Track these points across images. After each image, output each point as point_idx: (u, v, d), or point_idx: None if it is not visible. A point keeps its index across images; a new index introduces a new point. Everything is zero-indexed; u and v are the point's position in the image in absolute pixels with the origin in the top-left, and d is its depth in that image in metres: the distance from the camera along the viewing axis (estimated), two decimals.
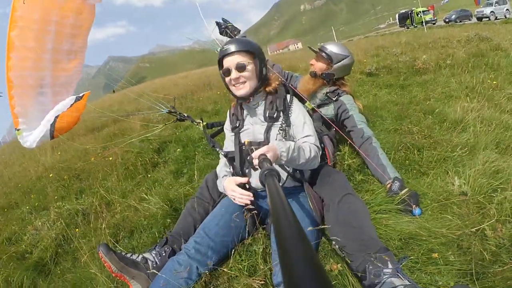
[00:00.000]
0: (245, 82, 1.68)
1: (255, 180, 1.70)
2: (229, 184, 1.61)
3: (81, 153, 4.96)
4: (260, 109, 1.79)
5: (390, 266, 1.27)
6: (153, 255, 1.66)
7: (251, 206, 1.61)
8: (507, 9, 23.21)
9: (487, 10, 23.66)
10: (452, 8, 40.16)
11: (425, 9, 29.19)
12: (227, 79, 1.70)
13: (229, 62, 1.66)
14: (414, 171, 2.15)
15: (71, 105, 3.53)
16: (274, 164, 1.34)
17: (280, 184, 1.62)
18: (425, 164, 2.18)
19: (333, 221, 1.55)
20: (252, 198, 1.59)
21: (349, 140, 2.25)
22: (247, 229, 1.69)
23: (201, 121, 2.39)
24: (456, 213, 1.66)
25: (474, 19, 25.68)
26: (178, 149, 3.97)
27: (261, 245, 1.57)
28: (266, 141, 1.70)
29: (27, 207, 3.45)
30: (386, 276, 1.24)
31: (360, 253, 1.37)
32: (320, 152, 1.73)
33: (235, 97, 1.80)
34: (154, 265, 1.60)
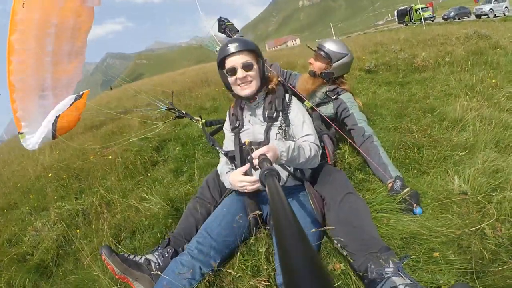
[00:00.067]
0: (251, 81, 1.68)
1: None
2: (236, 177, 1.55)
3: (79, 152, 4.93)
4: (259, 109, 1.79)
5: (391, 265, 1.28)
6: (156, 256, 1.66)
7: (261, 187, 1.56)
8: (506, 7, 23.21)
9: (486, 8, 23.64)
10: (451, 5, 40.13)
11: (424, 6, 29.11)
12: (232, 78, 1.67)
13: (234, 61, 1.64)
14: (414, 170, 2.16)
15: (71, 104, 3.50)
16: (274, 164, 1.34)
17: (281, 184, 1.64)
18: (425, 163, 2.19)
19: (334, 220, 1.56)
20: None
21: (349, 139, 2.25)
22: (249, 229, 1.70)
23: (200, 119, 2.38)
24: (456, 212, 1.68)
25: (472, 17, 25.62)
26: (178, 148, 3.96)
27: (264, 245, 1.58)
28: (266, 141, 1.70)
29: (27, 208, 3.44)
30: (388, 275, 1.25)
31: (362, 253, 1.39)
32: (320, 151, 1.73)
33: (238, 98, 1.80)
34: (157, 266, 1.61)
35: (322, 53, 2.46)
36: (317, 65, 2.53)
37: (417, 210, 1.70)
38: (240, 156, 1.75)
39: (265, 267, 1.46)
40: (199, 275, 1.47)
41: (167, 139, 4.43)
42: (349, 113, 2.39)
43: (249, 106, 1.82)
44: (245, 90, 1.69)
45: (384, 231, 1.59)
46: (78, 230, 2.63)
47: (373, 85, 4.81)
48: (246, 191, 1.51)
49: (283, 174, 1.73)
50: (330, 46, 2.47)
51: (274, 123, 1.74)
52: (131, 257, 1.62)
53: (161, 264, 1.63)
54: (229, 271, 1.52)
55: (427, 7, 29.35)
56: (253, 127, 1.78)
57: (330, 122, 2.24)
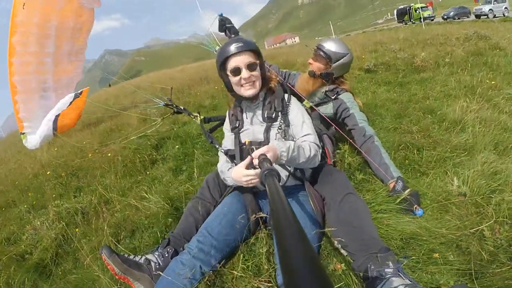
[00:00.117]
0: (254, 81, 1.69)
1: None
2: (239, 171, 1.49)
3: (78, 149, 4.91)
4: (259, 110, 1.80)
5: (391, 265, 1.29)
6: (156, 256, 1.66)
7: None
8: (505, 7, 23.24)
9: (485, 8, 23.65)
10: (451, 5, 40.13)
11: (423, 5, 29.08)
12: (235, 78, 1.66)
13: (238, 61, 1.63)
14: (414, 171, 2.17)
15: (71, 102, 3.52)
16: (274, 164, 1.34)
17: (281, 184, 1.64)
18: (424, 164, 2.20)
19: (334, 220, 1.57)
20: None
21: (349, 140, 2.24)
22: (250, 228, 1.70)
23: (198, 115, 2.37)
24: (455, 214, 1.69)
25: (472, 17, 25.64)
26: (177, 146, 3.95)
27: (264, 245, 1.58)
28: (266, 141, 1.70)
29: (25, 206, 3.42)
30: (388, 275, 1.26)
31: (362, 253, 1.40)
32: (320, 150, 1.73)
33: (239, 98, 1.79)
34: (157, 266, 1.61)
35: (321, 53, 2.44)
36: (316, 66, 2.50)
37: (419, 211, 1.71)
38: (241, 156, 1.75)
39: (266, 267, 1.46)
40: (200, 274, 1.46)
41: (166, 137, 4.42)
42: (350, 113, 2.37)
43: (249, 107, 1.82)
44: (249, 91, 1.69)
45: (384, 232, 1.60)
46: (77, 229, 2.63)
47: (373, 85, 4.81)
48: (251, 185, 1.49)
49: (283, 174, 1.74)
50: (330, 46, 2.44)
51: (274, 123, 1.74)
52: (131, 257, 1.62)
53: (161, 264, 1.63)
54: (230, 271, 1.52)
55: (426, 7, 29.35)
56: (253, 127, 1.79)
57: (330, 122, 2.24)
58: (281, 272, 0.47)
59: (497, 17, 22.26)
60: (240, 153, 1.76)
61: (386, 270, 1.28)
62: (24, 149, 6.58)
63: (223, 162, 1.85)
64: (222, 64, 1.68)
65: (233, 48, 1.62)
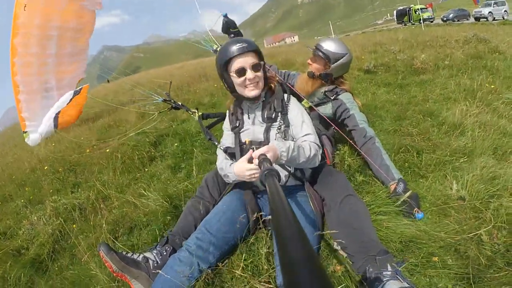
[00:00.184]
0: (258, 82, 1.68)
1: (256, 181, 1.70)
2: (242, 165, 1.46)
3: (75, 144, 4.88)
4: (259, 110, 1.80)
5: (389, 268, 1.30)
6: (154, 254, 1.65)
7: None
8: (505, 10, 23.35)
9: (485, 11, 23.72)
10: (450, 7, 40.22)
11: (423, 6, 29.09)
12: (240, 79, 1.64)
13: (243, 62, 1.62)
14: (413, 174, 2.18)
15: (70, 100, 3.54)
16: (274, 164, 1.34)
17: (281, 184, 1.64)
18: (424, 167, 2.21)
19: (334, 222, 1.58)
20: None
21: (349, 140, 2.24)
22: (249, 227, 1.70)
23: (196, 111, 2.36)
24: (454, 218, 1.70)
25: (471, 19, 25.72)
26: (176, 143, 3.94)
27: (264, 245, 1.58)
28: (266, 141, 1.71)
29: (22, 201, 3.39)
30: (386, 278, 1.27)
31: (361, 255, 1.41)
32: (321, 150, 1.73)
33: (242, 99, 1.78)
34: (155, 264, 1.60)
35: (320, 53, 2.41)
36: (315, 66, 2.48)
37: (419, 215, 1.71)
38: (241, 155, 1.74)
39: (266, 267, 1.46)
40: (198, 271, 1.46)
41: (164, 134, 4.40)
42: (350, 114, 2.36)
43: (249, 107, 1.82)
44: (252, 91, 1.68)
45: (384, 234, 1.61)
46: (74, 225, 2.61)
47: (372, 86, 4.82)
48: (253, 179, 1.47)
49: (283, 174, 1.74)
50: (328, 46, 2.41)
51: (273, 124, 1.74)
52: (129, 255, 1.61)
53: (159, 262, 1.62)
54: (230, 269, 1.52)
55: (426, 8, 29.35)
56: (253, 127, 1.79)
57: (330, 122, 2.23)
58: (281, 272, 0.47)
59: (496, 20, 22.32)
60: (240, 152, 1.75)
61: (384, 273, 1.29)
62: (21, 143, 6.52)
63: (222, 159, 1.84)
64: (225, 64, 1.66)
65: (237, 48, 1.59)
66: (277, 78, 1.96)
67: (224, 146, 1.86)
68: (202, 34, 2.72)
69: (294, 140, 1.74)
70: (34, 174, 4.14)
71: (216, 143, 1.91)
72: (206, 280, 1.45)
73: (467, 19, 26.93)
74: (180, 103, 2.51)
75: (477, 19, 24.23)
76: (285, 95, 1.84)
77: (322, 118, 2.31)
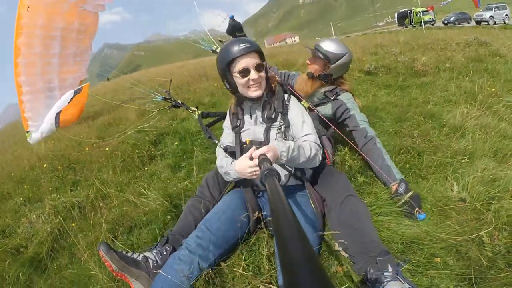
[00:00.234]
0: (260, 82, 1.68)
1: (257, 180, 1.70)
2: (244, 162, 1.46)
3: (75, 142, 4.87)
4: (259, 110, 1.80)
5: (390, 269, 1.30)
6: (154, 254, 1.64)
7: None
8: (506, 15, 23.36)
9: (486, 14, 23.73)
10: (452, 10, 40.21)
11: (424, 9, 29.09)
12: (243, 80, 1.64)
13: (247, 62, 1.61)
14: (414, 175, 2.18)
15: (71, 99, 3.58)
16: (274, 164, 1.34)
17: (281, 184, 1.63)
18: (425, 169, 2.21)
19: (335, 222, 1.58)
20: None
21: (348, 141, 2.23)
22: (250, 226, 1.69)
23: (196, 109, 2.36)
24: (455, 219, 1.70)
25: (472, 22, 25.74)
26: (176, 142, 3.93)
27: (265, 245, 1.58)
28: (267, 141, 1.71)
29: (21, 198, 3.37)
30: (387, 279, 1.27)
31: (362, 255, 1.41)
32: (321, 150, 1.73)
33: (244, 99, 1.78)
34: (155, 264, 1.59)
35: (319, 54, 2.39)
36: (315, 67, 2.47)
37: (421, 215, 1.71)
38: (241, 155, 1.74)
39: (267, 267, 1.46)
40: (198, 270, 1.44)
41: (164, 133, 4.39)
42: (350, 114, 2.34)
43: (250, 107, 1.81)
44: (255, 92, 1.68)
45: (385, 235, 1.61)
46: (73, 224, 2.60)
47: (373, 87, 4.82)
48: (254, 176, 1.47)
49: (284, 173, 1.73)
50: (328, 46, 2.38)
51: (274, 124, 1.75)
52: (129, 254, 1.60)
53: (159, 262, 1.61)
54: (231, 268, 1.51)
55: (427, 11, 29.37)
56: (254, 127, 1.79)
57: (329, 123, 2.22)
58: (281, 272, 0.47)
59: (497, 24, 22.34)
60: (240, 151, 1.75)
61: (385, 273, 1.29)
62: (21, 141, 6.51)
63: (222, 157, 1.83)
64: (228, 64, 1.64)
65: (241, 49, 1.59)
66: (277, 79, 1.96)
67: (224, 145, 1.86)
68: (202, 33, 2.71)
69: (295, 140, 1.74)
70: (33, 172, 4.13)
71: (216, 141, 1.91)
72: (207, 279, 1.44)
73: (468, 23, 26.94)
74: (180, 102, 2.51)
75: (478, 22, 24.24)
76: (285, 95, 1.84)
77: (322, 118, 2.30)
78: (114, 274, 1.55)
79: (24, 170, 4.29)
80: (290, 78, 2.84)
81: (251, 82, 1.65)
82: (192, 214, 1.85)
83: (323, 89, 2.49)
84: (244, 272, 1.45)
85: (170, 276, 1.38)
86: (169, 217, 2.21)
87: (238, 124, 1.83)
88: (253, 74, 1.63)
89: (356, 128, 2.30)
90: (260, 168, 1.18)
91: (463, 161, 2.22)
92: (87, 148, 4.36)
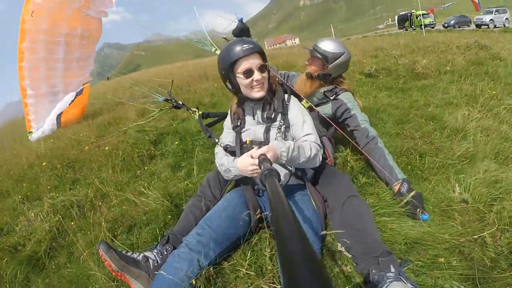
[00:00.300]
0: (263, 83, 1.68)
1: (257, 179, 1.69)
2: (246, 160, 1.44)
3: (74, 141, 4.85)
4: (260, 110, 1.79)
5: (392, 269, 1.29)
6: (154, 253, 1.63)
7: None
8: (506, 18, 23.44)
9: (486, 18, 23.80)
10: (452, 13, 40.41)
11: (425, 12, 29.21)
12: (247, 80, 1.63)
13: (250, 63, 1.60)
14: (416, 176, 2.17)
15: (72, 101, 3.64)
16: (274, 164, 1.34)
17: (282, 183, 1.62)
18: (427, 170, 2.21)
19: (337, 223, 1.57)
20: None
21: (350, 140, 2.20)
22: (251, 225, 1.68)
23: (196, 110, 2.36)
24: (457, 220, 1.70)
25: (473, 26, 25.82)
26: (176, 142, 3.92)
27: (267, 245, 1.56)
28: (266, 141, 1.70)
29: (19, 196, 3.35)
30: (389, 279, 1.26)
31: (364, 256, 1.40)
32: (322, 150, 1.73)
33: (246, 100, 1.77)
34: (155, 264, 1.57)
35: (317, 54, 2.37)
36: (313, 67, 2.45)
37: (425, 216, 1.70)
38: (241, 155, 1.73)
39: (270, 267, 1.45)
40: (198, 267, 1.42)
41: (164, 133, 4.38)
42: (351, 114, 2.32)
43: (252, 107, 1.81)
44: (258, 92, 1.67)
45: (389, 236, 1.60)
46: (72, 223, 2.58)
47: (374, 90, 4.83)
48: (255, 175, 1.46)
49: (285, 173, 1.72)
50: (326, 46, 2.36)
51: (273, 124, 1.74)
52: (129, 254, 1.59)
53: (159, 261, 1.59)
54: (234, 267, 1.50)
55: (428, 14, 29.47)
56: (254, 127, 1.79)
57: (331, 122, 2.21)
58: (281, 272, 0.47)
59: (497, 27, 22.37)
60: (240, 151, 1.74)
61: (387, 274, 1.28)
62: (20, 139, 6.50)
63: (222, 156, 1.82)
64: (231, 65, 1.62)
65: (244, 49, 1.58)
66: (277, 79, 1.95)
67: (223, 144, 1.85)
68: (202, 35, 2.71)
69: (295, 140, 1.73)
70: (32, 170, 4.11)
71: (216, 140, 1.90)
72: (208, 279, 1.43)
73: (468, 26, 27.02)
74: (180, 102, 2.51)
75: (478, 26, 24.29)
76: (286, 95, 1.84)
77: (322, 118, 2.28)
78: (114, 274, 1.53)
79: (23, 168, 4.28)
80: (289, 79, 2.82)
81: (255, 83, 1.64)
82: (193, 213, 1.83)
83: (322, 89, 2.47)
84: (247, 272, 1.44)
85: (169, 275, 1.36)
86: (169, 216, 2.19)
87: (239, 124, 1.83)
88: (257, 75, 1.62)
89: (357, 128, 2.29)
90: (260, 168, 1.18)
91: (464, 163, 2.23)
92: (86, 147, 4.35)
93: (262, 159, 1.23)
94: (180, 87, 8.15)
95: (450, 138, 2.63)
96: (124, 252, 1.58)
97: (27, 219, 2.71)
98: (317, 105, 2.44)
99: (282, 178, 1.68)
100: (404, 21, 33.05)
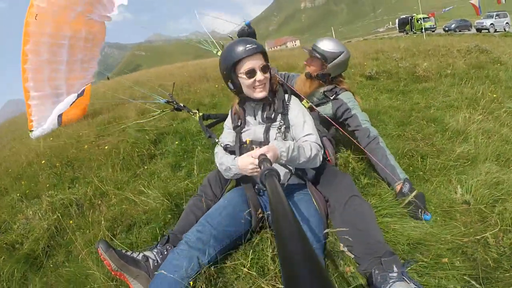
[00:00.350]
0: (265, 84, 1.67)
1: (257, 178, 1.68)
2: (246, 159, 1.44)
3: (74, 139, 4.84)
4: (260, 110, 1.79)
5: (395, 270, 1.28)
6: (154, 253, 1.61)
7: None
8: (506, 23, 23.49)
9: (487, 22, 23.85)
10: (453, 17, 40.54)
11: (425, 16, 29.27)
12: (249, 81, 1.62)
13: (253, 63, 1.60)
14: (418, 178, 2.17)
15: (73, 102, 3.68)
16: (274, 164, 1.33)
17: (283, 183, 1.61)
18: (428, 172, 2.21)
19: (339, 223, 1.56)
20: None
21: (352, 139, 2.19)
22: (251, 224, 1.66)
23: (197, 112, 2.36)
24: (459, 221, 1.70)
25: (473, 30, 25.90)
26: (176, 142, 3.91)
27: (269, 245, 1.55)
28: (266, 141, 1.70)
29: (18, 194, 3.33)
30: (392, 280, 1.25)
31: (367, 256, 1.39)
32: (322, 150, 1.72)
33: (248, 100, 1.77)
34: (155, 264, 1.56)
35: (316, 54, 2.36)
36: (312, 67, 2.45)
37: (427, 216, 1.70)
38: (240, 154, 1.72)
39: (272, 268, 1.43)
40: (197, 265, 1.40)
41: (164, 133, 4.37)
42: (352, 113, 2.31)
43: (253, 107, 1.80)
44: (260, 93, 1.67)
45: (391, 236, 1.59)
46: (71, 221, 2.56)
47: (375, 92, 4.84)
48: (255, 174, 1.45)
49: (285, 172, 1.71)
50: (324, 45, 2.35)
51: (273, 124, 1.74)
52: (128, 253, 1.57)
53: (159, 261, 1.58)
54: (233, 266, 1.48)
55: (428, 17, 29.54)
56: (255, 127, 1.78)
57: (332, 122, 2.20)
58: (281, 272, 0.47)
59: (498, 31, 22.43)
60: (240, 151, 1.73)
61: (390, 274, 1.27)
62: (19, 137, 6.49)
63: (222, 155, 1.80)
64: (234, 65, 1.61)
65: (248, 49, 1.57)
66: (278, 79, 1.95)
67: (223, 144, 1.84)
68: (203, 36, 2.72)
69: (295, 140, 1.73)
70: (31, 168, 4.09)
71: (216, 140, 1.89)
72: (209, 279, 1.41)
73: (469, 30, 27.08)
74: (182, 105, 2.52)
75: (478, 30, 24.35)
76: (286, 96, 1.83)
77: (323, 118, 2.27)
78: (113, 273, 1.51)
79: (21, 166, 4.26)
80: (289, 79, 2.82)
81: (257, 83, 1.64)
82: (193, 213, 1.82)
83: (322, 89, 2.46)
84: (248, 271, 1.42)
85: (169, 272, 1.34)
86: (169, 216, 2.18)
87: (239, 124, 1.83)
88: (259, 75, 1.61)
89: (358, 127, 2.27)
90: (260, 168, 1.18)
91: (466, 164, 2.23)
92: (85, 146, 4.33)
93: (262, 159, 1.22)
94: (180, 87, 8.16)
95: (451, 140, 2.63)
96: (123, 251, 1.57)
97: (25, 217, 2.69)
98: (317, 105, 2.43)
99: (282, 177, 1.68)
100: (405, 24, 33.13)
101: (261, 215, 1.64)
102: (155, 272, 1.48)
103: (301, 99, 1.99)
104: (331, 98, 2.40)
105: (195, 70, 13.01)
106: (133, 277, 1.49)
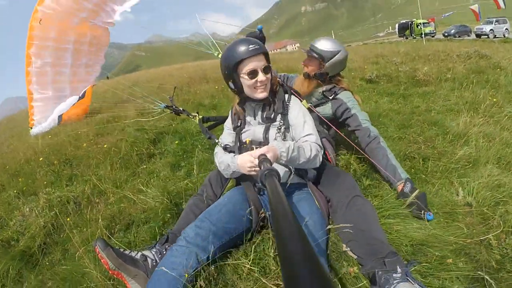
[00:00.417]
0: (267, 84, 1.67)
1: (256, 178, 1.67)
2: (246, 158, 1.44)
3: (72, 138, 4.81)
4: (260, 111, 1.79)
5: (399, 270, 1.27)
6: (153, 253, 1.59)
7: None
8: (506, 28, 23.69)
9: (486, 28, 24.04)
10: (452, 22, 40.83)
11: (425, 21, 29.47)
12: (251, 81, 1.61)
13: (255, 64, 1.59)
14: (420, 180, 2.17)
15: (74, 103, 3.73)
16: (274, 164, 1.33)
17: (283, 182, 1.59)
18: (430, 174, 2.21)
19: (342, 223, 1.54)
20: None
21: (350, 141, 2.18)
22: (251, 224, 1.64)
23: (197, 115, 2.35)
24: (462, 222, 1.69)
25: (473, 35, 26.08)
26: (176, 142, 3.89)
27: (271, 246, 1.53)
28: (266, 142, 1.69)
29: (14, 191, 3.30)
30: (396, 280, 1.24)
31: (369, 257, 1.37)
32: (322, 151, 1.71)
33: (249, 100, 1.76)
34: (154, 263, 1.53)
35: (313, 53, 2.36)
36: (310, 67, 2.44)
37: (430, 216, 1.69)
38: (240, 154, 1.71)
39: (274, 268, 1.42)
40: (196, 262, 1.36)
41: (164, 132, 4.36)
42: (352, 113, 2.29)
43: (253, 108, 1.80)
44: (261, 93, 1.67)
45: (394, 238, 1.58)
46: (68, 219, 2.53)
47: (375, 95, 4.85)
48: (253, 173, 1.44)
49: (285, 171, 1.69)
50: (321, 45, 2.35)
51: (273, 124, 1.73)
52: (126, 252, 1.54)
53: (158, 261, 1.55)
54: (234, 264, 1.46)
55: (428, 23, 29.75)
56: (255, 127, 1.78)
57: (331, 126, 2.19)
58: (281, 272, 0.45)
59: (497, 37, 22.59)
60: (239, 151, 1.73)
61: (394, 275, 1.26)
62: (18, 134, 6.46)
63: (222, 154, 1.80)
64: (236, 65, 1.60)
65: (250, 50, 1.55)
66: (278, 80, 1.95)
67: (223, 144, 1.84)
68: (203, 37, 2.72)
69: (295, 140, 1.72)
70: (29, 165, 4.06)
71: (216, 141, 1.89)
72: (209, 278, 1.39)
73: (469, 35, 27.27)
74: (181, 109, 2.53)
75: (478, 35, 24.54)
76: (286, 96, 1.83)
77: (322, 119, 2.25)
78: (110, 272, 1.47)
79: (19, 163, 4.22)
80: (288, 80, 2.81)
81: (258, 84, 1.63)
82: (193, 212, 1.80)
83: (321, 89, 2.44)
84: (250, 268, 1.40)
85: (167, 270, 1.30)
86: (168, 215, 2.15)
87: (239, 124, 1.82)
88: (261, 76, 1.61)
89: (359, 127, 2.25)
90: (260, 168, 1.17)
91: (467, 167, 2.23)
92: (84, 144, 4.30)
93: (262, 159, 1.22)
94: (180, 88, 8.15)
95: (452, 143, 2.63)
96: (121, 250, 1.54)
97: (22, 214, 2.66)
98: (316, 105, 2.42)
99: (282, 177, 1.66)
100: (405, 29, 33.34)
101: (263, 215, 1.62)
102: (154, 272, 1.46)
103: (300, 100, 1.98)
104: (330, 98, 2.38)
105: (195, 71, 13.02)
106: (131, 277, 1.46)
